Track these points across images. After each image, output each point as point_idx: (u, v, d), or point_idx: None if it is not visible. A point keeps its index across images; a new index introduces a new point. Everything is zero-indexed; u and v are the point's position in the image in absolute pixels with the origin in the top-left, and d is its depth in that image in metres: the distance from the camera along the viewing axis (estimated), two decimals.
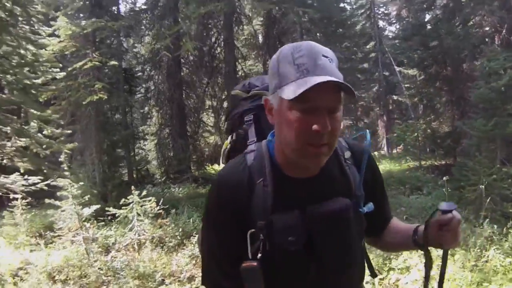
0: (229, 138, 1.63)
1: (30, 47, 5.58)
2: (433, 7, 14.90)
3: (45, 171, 6.63)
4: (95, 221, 7.03)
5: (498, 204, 7.25)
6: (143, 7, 14.31)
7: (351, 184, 1.34)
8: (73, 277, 5.59)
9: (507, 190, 7.33)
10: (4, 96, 5.26)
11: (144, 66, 14.82)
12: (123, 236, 6.66)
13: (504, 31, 10.94)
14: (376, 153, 21.33)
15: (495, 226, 5.86)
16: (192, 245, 6.18)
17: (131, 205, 6.39)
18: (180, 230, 6.79)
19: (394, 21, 24.47)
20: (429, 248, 1.38)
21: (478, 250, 5.43)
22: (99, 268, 5.63)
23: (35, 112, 5.08)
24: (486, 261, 5.24)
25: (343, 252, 1.30)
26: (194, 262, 5.72)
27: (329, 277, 1.30)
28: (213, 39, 13.92)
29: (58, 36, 7.78)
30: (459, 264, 5.26)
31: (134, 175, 12.67)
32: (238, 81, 13.18)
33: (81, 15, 10.58)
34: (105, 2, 11.01)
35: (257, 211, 1.26)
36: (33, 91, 5.20)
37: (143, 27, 14.01)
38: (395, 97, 21.15)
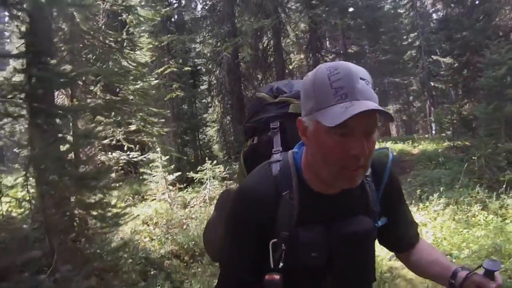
0: (249, 140, 1.61)
1: (131, 62, 7.86)
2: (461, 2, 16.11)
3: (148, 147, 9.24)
4: (177, 184, 9.56)
5: (496, 174, 8.80)
6: (204, 13, 16.81)
7: (369, 201, 1.35)
8: (161, 223, 7.77)
9: (501, 162, 8.88)
10: (117, 97, 7.65)
11: (207, 63, 17.24)
12: (198, 194, 9.15)
13: None
14: (415, 135, 22.70)
15: (487, 191, 7.28)
16: None
17: (205, 170, 8.90)
18: None
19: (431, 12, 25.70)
20: None
21: (467, 207, 6.82)
22: (181, 215, 8.06)
23: (143, 106, 7.37)
24: (473, 216, 6.53)
25: (361, 270, 1.34)
26: None
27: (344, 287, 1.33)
28: (265, 44, 16.21)
29: (142, 48, 9.78)
30: (447, 216, 6.72)
31: (199, 156, 15.18)
32: (286, 76, 15.41)
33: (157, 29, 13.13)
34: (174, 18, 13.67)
35: (282, 223, 1.26)
36: (140, 93, 7.48)
37: (204, 30, 16.57)
38: (434, 84, 22.27)
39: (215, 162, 9.99)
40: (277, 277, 1.26)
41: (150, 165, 9.10)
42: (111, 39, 7.16)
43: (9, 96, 4.36)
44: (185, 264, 6.08)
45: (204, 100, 18.76)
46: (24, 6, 4.50)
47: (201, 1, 17.09)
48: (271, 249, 1.28)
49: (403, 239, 1.52)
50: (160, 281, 5.21)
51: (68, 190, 4.48)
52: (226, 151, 16.61)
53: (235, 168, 12.07)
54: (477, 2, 14.41)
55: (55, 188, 4.37)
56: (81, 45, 6.54)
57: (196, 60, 17.62)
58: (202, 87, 18.08)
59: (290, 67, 17.30)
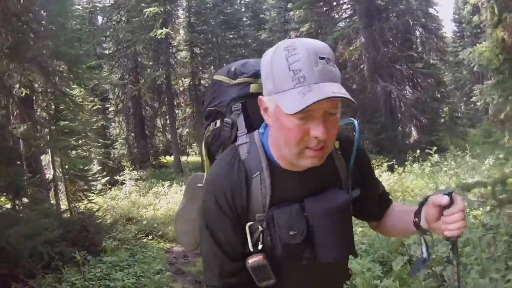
0: (212, 125, 1.56)
1: None
2: None
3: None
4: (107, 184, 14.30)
5: None
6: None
7: (340, 174, 1.38)
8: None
9: None
10: None
11: (115, 91, 21.80)
12: (120, 191, 14.02)
13: None
14: None
15: None
16: None
17: (125, 175, 13.89)
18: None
19: None
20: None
21: None
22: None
23: None
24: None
25: (340, 243, 1.32)
26: None
27: (324, 263, 1.32)
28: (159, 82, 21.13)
29: None
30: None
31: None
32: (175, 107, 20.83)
33: None
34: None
35: (256, 205, 1.28)
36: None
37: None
38: None
39: (131, 168, 15.06)
40: (260, 257, 1.28)
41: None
42: None
43: None
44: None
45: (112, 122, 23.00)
46: None
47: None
48: (248, 232, 1.29)
49: (380, 206, 1.54)
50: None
51: None
52: (131, 161, 21.28)
53: (141, 173, 17.04)
54: None
55: None
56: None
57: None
58: (110, 109, 22.53)
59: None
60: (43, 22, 5.81)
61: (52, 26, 5.86)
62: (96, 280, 5.71)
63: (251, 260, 1.30)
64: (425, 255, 1.35)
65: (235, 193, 1.29)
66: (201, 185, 1.54)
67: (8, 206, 5.95)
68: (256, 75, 1.44)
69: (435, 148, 9.57)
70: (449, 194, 1.20)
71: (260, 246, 1.30)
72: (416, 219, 1.34)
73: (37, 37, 5.54)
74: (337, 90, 1.09)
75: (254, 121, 1.43)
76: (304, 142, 1.17)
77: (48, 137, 6.85)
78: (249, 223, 1.31)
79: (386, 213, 1.56)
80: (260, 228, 1.30)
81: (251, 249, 1.31)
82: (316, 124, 1.13)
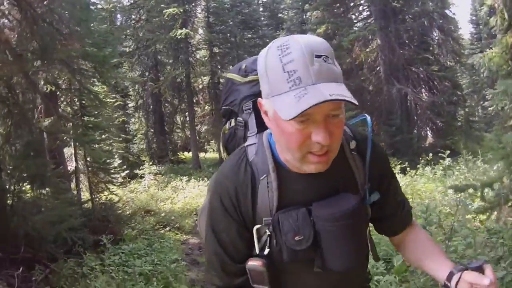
0: (227, 124, 1.56)
1: None
2: None
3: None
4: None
5: None
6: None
7: (356, 177, 1.30)
8: None
9: None
10: None
11: (135, 87, 22.37)
12: (139, 184, 14.49)
13: None
14: None
15: None
16: None
17: (144, 169, 14.39)
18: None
19: None
20: None
21: None
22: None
23: None
24: None
25: (349, 250, 1.25)
26: None
27: (334, 271, 1.26)
28: (179, 80, 21.51)
29: None
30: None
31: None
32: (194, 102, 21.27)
33: None
34: None
35: (263, 208, 1.25)
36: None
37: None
38: None
39: (150, 163, 15.56)
40: (259, 262, 1.26)
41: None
42: None
43: None
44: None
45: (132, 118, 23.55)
46: None
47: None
48: (256, 236, 1.26)
49: (389, 223, 1.45)
50: None
51: None
52: (150, 156, 21.80)
53: (160, 168, 17.49)
54: None
55: None
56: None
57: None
58: (130, 105, 23.12)
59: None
60: (70, 25, 6.20)
61: (78, 28, 6.26)
62: (115, 266, 6.09)
63: (251, 263, 1.29)
64: None
65: (240, 194, 1.26)
66: None
67: (31, 195, 6.31)
68: None
69: (448, 151, 9.70)
70: (481, 266, 1.19)
71: (266, 251, 1.26)
72: (448, 283, 1.25)
73: (65, 39, 5.95)
74: (336, 91, 1.01)
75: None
76: (306, 147, 1.11)
77: (76, 131, 7.26)
78: (256, 226, 1.27)
79: (408, 236, 1.47)
80: (268, 232, 1.26)
81: (258, 253, 1.28)
82: (317, 128, 1.07)
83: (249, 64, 1.52)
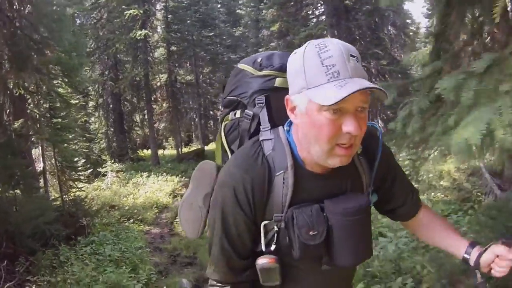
0: (231, 114, 1.55)
1: None
2: None
3: None
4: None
5: None
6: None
7: (362, 179, 1.37)
8: None
9: None
10: None
11: (95, 87, 22.45)
12: (103, 181, 14.91)
13: None
14: None
15: None
16: None
17: (107, 167, 14.81)
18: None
19: None
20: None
21: None
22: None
23: None
24: None
25: (358, 246, 1.31)
26: None
27: (340, 267, 1.33)
28: (138, 79, 21.86)
29: None
30: None
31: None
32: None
33: None
34: None
35: (275, 204, 1.26)
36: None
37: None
38: None
39: (112, 161, 16.00)
40: (272, 259, 1.28)
41: None
42: None
43: None
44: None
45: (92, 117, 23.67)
46: None
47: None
48: (263, 231, 1.28)
49: (402, 211, 1.52)
50: None
51: None
52: (110, 155, 21.99)
53: (121, 165, 17.88)
54: None
55: None
56: None
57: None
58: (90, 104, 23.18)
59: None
60: (43, 34, 6.73)
61: (50, 36, 6.79)
62: (87, 255, 6.78)
63: (262, 261, 1.29)
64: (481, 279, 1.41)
65: (256, 188, 1.26)
66: (213, 172, 1.53)
67: (8, 193, 6.79)
68: (283, 69, 1.37)
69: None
70: (508, 241, 1.30)
71: (273, 247, 1.28)
72: (467, 256, 1.39)
73: (38, 47, 6.49)
74: (369, 84, 1.09)
75: (275, 116, 1.40)
76: (336, 138, 1.15)
77: (46, 132, 7.76)
78: (264, 222, 1.28)
79: (421, 220, 1.57)
80: (276, 228, 1.27)
81: (263, 249, 1.29)
82: (349, 119, 1.13)
83: (264, 58, 1.51)
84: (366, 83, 1.09)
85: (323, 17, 19.67)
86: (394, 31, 19.78)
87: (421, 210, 1.56)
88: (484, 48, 1.97)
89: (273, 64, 1.47)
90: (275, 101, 1.38)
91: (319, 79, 1.12)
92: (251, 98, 1.46)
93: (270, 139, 1.32)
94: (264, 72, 1.47)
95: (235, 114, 1.52)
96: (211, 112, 28.14)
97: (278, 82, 1.43)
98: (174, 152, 24.46)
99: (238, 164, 1.30)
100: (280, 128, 1.35)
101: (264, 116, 1.39)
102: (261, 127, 1.37)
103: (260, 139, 1.33)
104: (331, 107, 1.09)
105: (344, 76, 1.10)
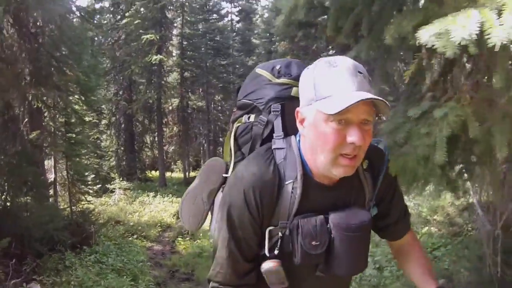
0: (245, 117, 1.56)
1: None
2: None
3: None
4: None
5: None
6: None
7: (365, 193, 1.40)
8: None
9: None
10: None
11: (109, 105, 23.05)
12: (110, 198, 15.33)
13: None
14: None
15: None
16: None
17: (115, 184, 15.26)
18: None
19: None
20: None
21: None
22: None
23: None
24: None
25: (357, 258, 1.36)
26: None
27: (336, 276, 1.38)
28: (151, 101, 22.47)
29: None
30: None
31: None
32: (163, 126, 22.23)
33: None
34: None
35: (282, 211, 1.30)
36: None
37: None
38: None
39: (121, 179, 16.45)
40: (276, 263, 1.32)
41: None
42: None
43: None
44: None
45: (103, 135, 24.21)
46: None
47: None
48: (267, 237, 1.31)
49: (393, 229, 1.54)
50: None
51: None
52: (119, 173, 22.42)
53: (129, 184, 18.29)
54: None
55: None
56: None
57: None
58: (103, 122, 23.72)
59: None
60: (64, 52, 7.26)
61: (71, 57, 7.33)
62: (91, 263, 7.15)
63: (269, 265, 1.32)
64: None
65: (265, 194, 1.29)
66: (222, 170, 1.60)
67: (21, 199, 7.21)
68: (299, 79, 1.37)
69: None
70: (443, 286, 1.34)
71: (276, 252, 1.32)
72: None
73: (59, 66, 7.01)
74: (373, 96, 1.14)
75: (288, 125, 1.42)
76: (340, 148, 1.19)
77: (63, 145, 8.26)
78: (270, 227, 1.32)
79: (405, 247, 1.59)
80: (280, 234, 1.31)
81: (267, 254, 1.32)
82: (353, 129, 1.16)
83: (283, 66, 1.54)
84: (370, 95, 1.15)
85: (333, 51, 20.17)
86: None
87: (408, 234, 1.58)
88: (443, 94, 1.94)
89: (291, 73, 1.52)
90: (290, 110, 1.40)
91: (328, 91, 1.19)
92: (267, 104, 1.48)
93: (283, 148, 1.35)
94: (282, 80, 1.51)
95: (249, 117, 1.54)
96: (220, 138, 28.57)
97: (294, 91, 1.46)
98: (181, 175, 24.86)
99: (249, 169, 1.34)
100: (293, 137, 1.39)
101: (278, 124, 1.43)
102: (274, 134, 1.41)
103: (273, 147, 1.37)
104: (336, 117, 1.15)
105: (351, 89, 1.17)
